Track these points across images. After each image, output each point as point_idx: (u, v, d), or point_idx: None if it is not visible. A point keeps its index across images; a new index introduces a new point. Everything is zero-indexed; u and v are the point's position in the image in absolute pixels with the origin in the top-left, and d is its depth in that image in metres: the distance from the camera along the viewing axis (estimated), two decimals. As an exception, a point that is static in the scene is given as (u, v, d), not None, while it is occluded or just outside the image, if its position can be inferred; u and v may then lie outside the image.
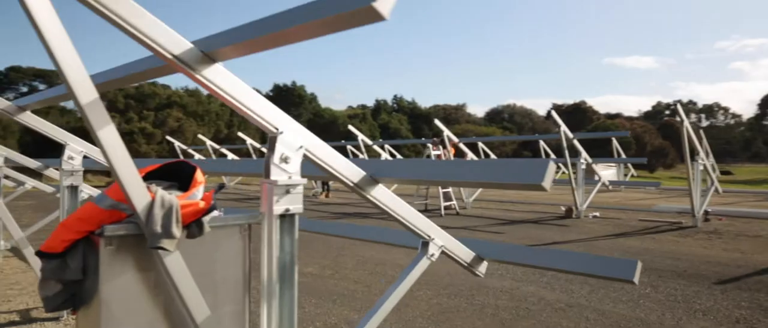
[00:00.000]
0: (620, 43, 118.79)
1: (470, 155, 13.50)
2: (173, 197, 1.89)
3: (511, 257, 3.07)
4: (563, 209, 11.45)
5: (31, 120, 4.47)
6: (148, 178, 2.07)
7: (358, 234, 3.72)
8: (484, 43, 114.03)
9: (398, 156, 24.00)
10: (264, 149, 20.51)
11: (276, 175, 2.09)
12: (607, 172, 22.70)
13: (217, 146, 23.72)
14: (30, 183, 7.31)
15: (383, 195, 2.61)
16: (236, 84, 2.05)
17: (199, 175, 2.11)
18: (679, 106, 8.77)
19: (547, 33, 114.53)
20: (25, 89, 57.00)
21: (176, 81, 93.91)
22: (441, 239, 2.94)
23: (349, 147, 20.59)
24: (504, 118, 62.86)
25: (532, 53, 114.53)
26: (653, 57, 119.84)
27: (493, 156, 25.39)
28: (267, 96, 41.32)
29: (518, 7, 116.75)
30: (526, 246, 3.43)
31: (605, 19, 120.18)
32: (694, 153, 9.64)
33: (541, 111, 72.89)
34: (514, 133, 59.07)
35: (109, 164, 1.82)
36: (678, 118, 8.97)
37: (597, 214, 11.25)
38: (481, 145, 24.20)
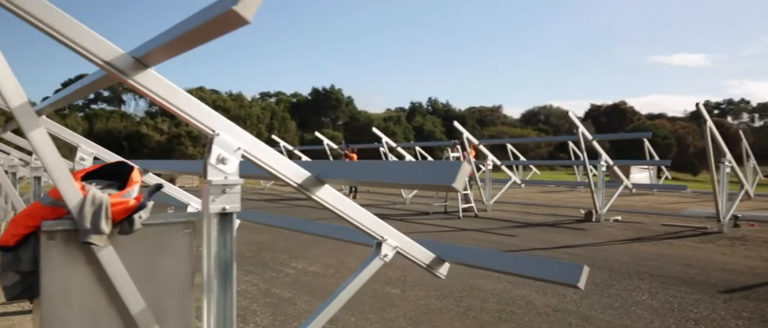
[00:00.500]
0: (665, 41, 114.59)
1: (491, 158, 13.38)
2: (104, 195, 2.02)
3: (470, 259, 3.10)
4: (583, 212, 11.21)
5: (47, 124, 4.77)
6: (92, 177, 2.22)
7: (317, 230, 3.80)
8: (522, 44, 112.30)
9: (429, 158, 24.01)
10: (297, 152, 20.93)
11: (212, 175, 2.19)
12: (640, 175, 22.07)
13: (290, 147, 24.34)
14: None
15: (329, 195, 2.68)
16: (170, 88, 2.16)
17: (135, 175, 2.24)
18: (701, 106, 8.46)
19: (587, 32, 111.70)
20: (91, 96, 60.06)
21: (224, 85, 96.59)
22: (395, 240, 2.98)
23: (381, 149, 20.75)
24: (540, 119, 61.75)
25: (571, 53, 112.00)
26: (703, 54, 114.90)
27: (522, 158, 25.06)
28: (306, 99, 42.00)
29: (557, 6, 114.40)
30: (485, 249, 3.45)
31: (649, 16, 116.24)
32: (720, 155, 9.28)
33: (579, 112, 71.21)
34: (551, 135, 57.98)
35: (44, 166, 1.97)
36: (703, 119, 8.66)
37: (619, 218, 10.97)
38: (509, 146, 23.94)
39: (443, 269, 3.23)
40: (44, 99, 4.93)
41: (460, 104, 76.14)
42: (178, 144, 31.33)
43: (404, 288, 5.28)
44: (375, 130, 16.61)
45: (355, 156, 17.33)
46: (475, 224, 10.51)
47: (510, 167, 19.69)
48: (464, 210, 11.86)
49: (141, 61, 2.04)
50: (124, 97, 59.11)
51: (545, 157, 55.85)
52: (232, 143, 2.29)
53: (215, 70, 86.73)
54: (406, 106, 53.46)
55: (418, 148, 21.12)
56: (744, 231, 9.32)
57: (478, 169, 13.34)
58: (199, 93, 36.51)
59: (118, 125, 37.34)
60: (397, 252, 3.11)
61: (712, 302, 4.82)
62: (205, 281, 2.16)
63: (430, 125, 44.45)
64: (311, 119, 42.59)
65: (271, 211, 13.13)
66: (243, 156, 2.34)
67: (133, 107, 50.47)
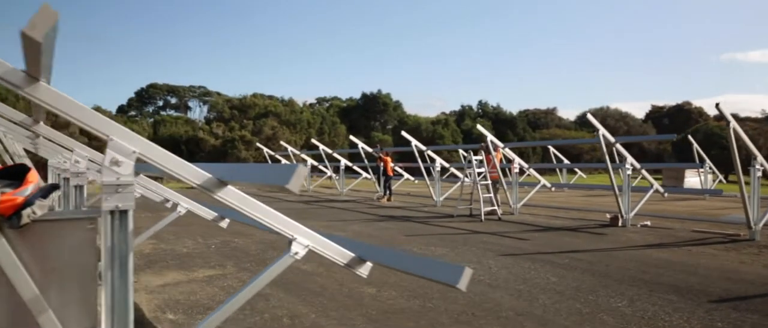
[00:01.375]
0: (742, 37, 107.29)
1: (518, 161, 13.14)
2: (-6, 193, 2.28)
3: (380, 259, 3.19)
4: (609, 217, 10.82)
5: (43, 130, 5.24)
6: None
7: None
8: (580, 43, 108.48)
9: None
10: (337, 155, 21.34)
11: (106, 176, 2.42)
12: (694, 179, 20.97)
13: (297, 152, 25.07)
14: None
15: (233, 196, 2.86)
16: (61, 98, 2.41)
17: (31, 175, 2.50)
18: (721, 105, 8.00)
19: (651, 30, 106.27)
20: (160, 103, 64.06)
21: (277, 90, 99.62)
22: (307, 239, 3.11)
23: (428, 152, 20.81)
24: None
25: (632, 52, 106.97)
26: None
27: (565, 161, 24.34)
28: (356, 104, 42.45)
29: (617, 3, 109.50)
30: (393, 250, 3.51)
31: (723, 11, 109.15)
32: (750, 157, 8.72)
33: (640, 114, 68.03)
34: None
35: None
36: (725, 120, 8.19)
37: (647, 223, 10.50)
38: (552, 148, 23.33)
39: (364, 269, 3.31)
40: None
41: (513, 107, 74.56)
42: (232, 147, 32.65)
43: (381, 288, 5.37)
44: (404, 134, 16.64)
45: (389, 159, 17.47)
46: (494, 227, 10.39)
47: (540, 171, 19.25)
48: (487, 213, 11.74)
49: (30, 75, 2.29)
50: (190, 103, 62.37)
51: (596, 161, 53.81)
52: (126, 148, 2.51)
53: (275, 77, 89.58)
54: (458, 109, 53.22)
55: (461, 151, 21.00)
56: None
57: (505, 172, 13.14)
58: (253, 99, 38.07)
59: (180, 130, 39.31)
60: (311, 250, 3.25)
61: (693, 311, 4.60)
62: (103, 274, 2.39)
63: (477, 129, 43.89)
64: (361, 123, 43.14)
65: (297, 211, 13.50)
66: (139, 159, 2.56)
67: (198, 113, 53.02)
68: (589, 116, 10.22)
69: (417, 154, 15.88)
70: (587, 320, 4.30)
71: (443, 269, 2.84)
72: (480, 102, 50.28)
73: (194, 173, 2.80)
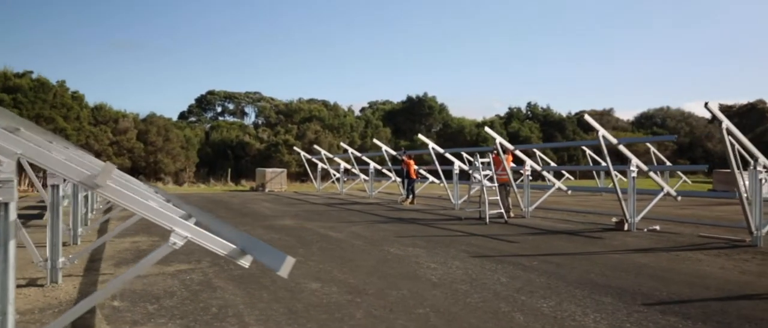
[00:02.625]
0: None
1: (529, 163, 12.99)
2: None
3: (248, 246, 3.48)
4: (614, 220, 10.54)
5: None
6: None
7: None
8: (640, 40, 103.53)
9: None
10: (366, 158, 21.71)
11: (-12, 174, 2.88)
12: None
13: (330, 155, 25.71)
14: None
15: (115, 193, 3.26)
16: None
17: None
18: (712, 105, 7.69)
19: (719, 26, 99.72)
20: (219, 109, 67.37)
21: (330, 94, 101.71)
22: (186, 231, 3.46)
23: (446, 154, 20.86)
24: (656, 123, 56.72)
25: (698, 49, 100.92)
26: None
27: (603, 163, 23.54)
28: (400, 107, 42.53)
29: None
30: (266, 244, 3.73)
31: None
32: (749, 159, 8.30)
33: (707, 113, 64.08)
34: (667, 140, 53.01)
35: None
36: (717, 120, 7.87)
37: (656, 227, 10.16)
38: (588, 151, 22.65)
39: (245, 260, 3.62)
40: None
41: (569, 109, 72.15)
42: (276, 151, 33.80)
43: (328, 284, 5.64)
44: (420, 136, 16.73)
45: (411, 162, 17.66)
46: (495, 230, 10.38)
47: (538, 175, 18.66)
48: (493, 216, 11.73)
49: None
50: (247, 109, 64.92)
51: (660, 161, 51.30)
52: (8, 150, 2.96)
53: (328, 82, 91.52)
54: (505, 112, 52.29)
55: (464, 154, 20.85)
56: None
57: (517, 175, 13.02)
58: (299, 104, 39.26)
59: (231, 135, 41.05)
60: (190, 240, 3.59)
61: (615, 312, 4.54)
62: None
63: (526, 131, 43.04)
64: (405, 126, 43.39)
65: (315, 213, 13.97)
66: (19, 159, 3.00)
67: (253, 119, 55.07)
68: (587, 117, 10.04)
69: (434, 157, 15.96)
70: (496, 318, 4.38)
71: (271, 255, 3.12)
72: (529, 104, 49.26)
73: (75, 172, 3.23)
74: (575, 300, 4.97)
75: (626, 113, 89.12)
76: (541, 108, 49.21)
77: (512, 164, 13.17)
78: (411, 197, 17.52)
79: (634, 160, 10.19)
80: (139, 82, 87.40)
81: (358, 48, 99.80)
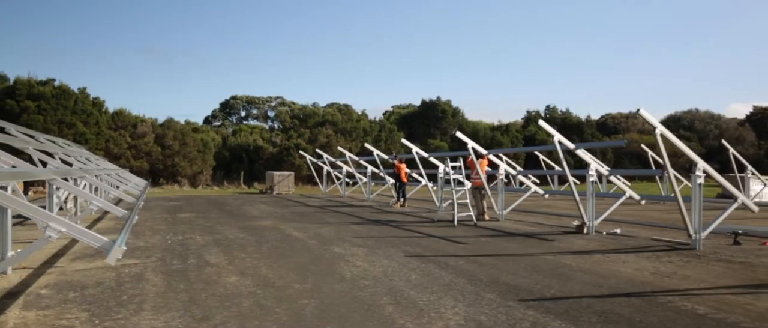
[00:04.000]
0: None
1: (504, 167, 13.21)
2: None
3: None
4: (575, 224, 10.70)
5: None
6: None
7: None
8: (669, 41, 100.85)
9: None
10: (363, 162, 22.13)
11: None
12: (760, 187, 19.67)
13: (333, 159, 26.27)
14: None
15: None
16: None
17: None
18: (643, 111, 7.84)
19: (750, 24, 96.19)
20: (243, 113, 69.22)
21: (346, 97, 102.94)
22: (61, 226, 4.00)
23: (431, 158, 21.15)
24: (683, 125, 55.41)
25: (733, 47, 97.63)
26: None
27: (603, 166, 23.36)
28: (415, 110, 42.66)
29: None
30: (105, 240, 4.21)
31: None
32: (692, 164, 8.40)
33: (738, 116, 62.23)
34: (695, 143, 51.82)
35: None
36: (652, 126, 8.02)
37: (617, 231, 10.28)
38: (588, 156, 22.56)
39: (116, 253, 4.12)
40: None
41: (594, 112, 70.94)
42: (288, 155, 34.63)
43: (247, 277, 6.11)
44: (408, 144, 17.05)
45: (403, 166, 18.04)
46: (456, 232, 10.66)
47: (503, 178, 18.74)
48: (462, 219, 12.02)
49: None
50: (270, 113, 66.36)
51: (688, 166, 50.12)
52: None
53: (350, 86, 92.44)
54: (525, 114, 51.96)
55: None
56: (734, 250, 8.27)
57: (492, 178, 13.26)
58: (313, 108, 40.07)
59: (248, 139, 42.12)
60: (65, 234, 4.12)
61: (492, 306, 4.85)
62: None
63: (543, 134, 42.76)
64: (420, 130, 43.70)
65: (301, 214, 14.51)
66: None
67: (271, 123, 56.31)
68: (542, 123, 10.26)
69: (418, 161, 16.28)
70: (367, 309, 4.75)
71: (104, 242, 3.62)
72: (548, 107, 48.92)
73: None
74: (459, 296, 5.30)
75: (655, 116, 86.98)
76: (560, 111, 48.79)
77: (488, 168, 13.41)
78: (402, 200, 17.90)
79: (593, 165, 10.35)
80: (167, 87, 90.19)
81: (385, 52, 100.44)
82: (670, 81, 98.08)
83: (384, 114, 48.60)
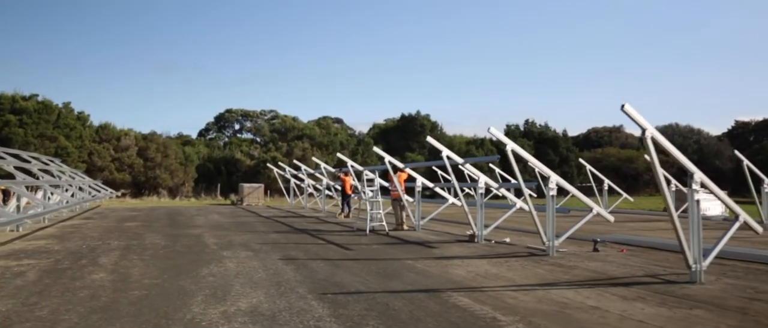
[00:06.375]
0: None
1: (421, 180, 14.13)
2: None
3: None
4: (468, 233, 11.59)
5: None
6: None
7: None
8: (651, 55, 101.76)
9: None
10: (318, 175, 23.07)
11: None
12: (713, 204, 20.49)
13: (294, 171, 27.27)
14: None
15: None
16: None
17: None
18: (492, 130, 8.74)
19: (737, 38, 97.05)
20: (237, 126, 70.49)
21: (340, 112, 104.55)
22: None
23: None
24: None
25: (716, 63, 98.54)
26: None
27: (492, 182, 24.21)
28: (394, 125, 43.49)
29: (699, 12, 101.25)
30: None
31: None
32: (544, 177, 9.31)
33: (717, 131, 62.98)
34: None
35: None
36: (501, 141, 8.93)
37: (507, 239, 11.14)
38: (482, 177, 23.39)
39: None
40: None
41: (577, 126, 71.83)
42: (264, 168, 35.66)
43: (122, 279, 7.04)
44: (430, 139, 17.93)
45: (348, 179, 18.98)
46: (359, 240, 11.56)
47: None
48: (374, 228, 12.94)
49: None
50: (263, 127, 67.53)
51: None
52: None
53: (342, 100, 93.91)
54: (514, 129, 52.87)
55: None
56: (583, 256, 9.12)
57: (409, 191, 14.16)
58: (292, 122, 41.17)
59: (235, 152, 43.20)
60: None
61: (283, 298, 5.76)
62: None
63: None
64: (398, 144, 44.67)
65: (238, 224, 15.44)
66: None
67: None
68: (430, 139, 11.16)
69: (326, 175, 17.17)
70: (176, 297, 5.67)
71: None
72: (526, 121, 49.88)
73: None
74: (273, 289, 6.17)
75: (637, 129, 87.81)
76: (539, 125, 49.71)
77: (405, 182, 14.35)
78: (347, 210, 18.83)
79: (482, 179, 11.27)
80: (170, 101, 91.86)
81: (379, 67, 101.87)
82: (655, 95, 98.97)
83: (336, 128, 49.73)
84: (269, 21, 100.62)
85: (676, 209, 17.39)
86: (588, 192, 22.31)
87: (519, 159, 9.33)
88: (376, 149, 13.84)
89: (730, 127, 61.78)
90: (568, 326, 4.77)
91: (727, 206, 7.81)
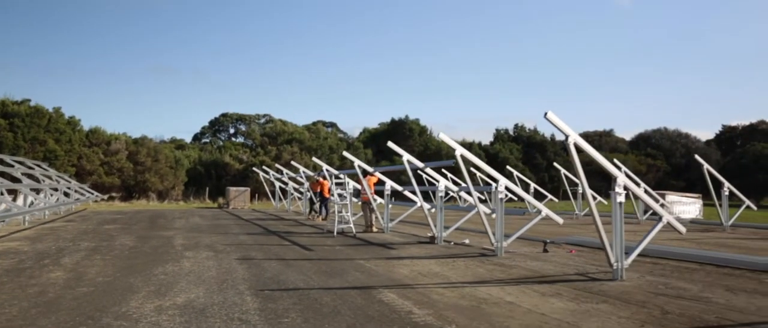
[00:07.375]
0: None
1: (390, 184, 14.51)
2: None
3: None
4: (428, 235, 11.97)
5: None
6: None
7: None
8: (641, 58, 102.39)
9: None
10: (299, 179, 23.43)
11: None
12: (686, 208, 20.94)
13: (279, 175, 27.65)
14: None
15: None
16: None
17: None
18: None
19: (729, 44, 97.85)
20: (232, 130, 70.92)
21: (337, 116, 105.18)
22: None
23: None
24: (651, 144, 56.70)
25: (708, 65, 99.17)
26: None
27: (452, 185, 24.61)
28: (384, 129, 44.00)
29: (690, 21, 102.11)
30: None
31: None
32: (493, 179, 9.70)
33: (706, 135, 63.53)
34: (660, 161, 53.09)
35: None
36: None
37: (466, 241, 11.51)
38: (442, 181, 23.78)
39: None
40: None
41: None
42: (253, 172, 36.01)
43: (78, 276, 7.41)
44: (390, 144, 18.33)
45: (325, 183, 19.36)
46: (324, 241, 11.94)
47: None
48: (341, 230, 13.32)
49: None
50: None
51: (653, 183, 51.36)
52: None
53: (336, 104, 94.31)
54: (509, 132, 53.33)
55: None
56: (531, 256, 9.51)
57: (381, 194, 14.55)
58: (282, 126, 41.59)
59: (225, 156, 43.57)
60: None
61: (221, 292, 6.15)
62: None
63: (506, 152, 44.14)
64: (388, 148, 45.06)
65: (218, 225, 15.81)
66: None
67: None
68: (391, 144, 11.55)
69: (305, 179, 17.56)
70: (118, 293, 6.04)
71: None
72: (516, 125, 50.35)
73: None
74: (215, 286, 6.55)
75: (627, 133, 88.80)
76: (528, 130, 50.17)
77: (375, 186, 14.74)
78: (324, 213, 19.21)
79: (442, 183, 11.66)
80: (169, 105, 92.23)
81: (374, 72, 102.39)
82: (645, 100, 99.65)
83: (326, 133, 50.27)
84: (268, 26, 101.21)
85: (644, 213, 17.65)
86: (575, 196, 22.73)
87: (469, 163, 9.66)
88: (345, 153, 14.24)
89: (717, 132, 62.31)
90: (474, 318, 5.15)
91: (648, 206, 8.19)
